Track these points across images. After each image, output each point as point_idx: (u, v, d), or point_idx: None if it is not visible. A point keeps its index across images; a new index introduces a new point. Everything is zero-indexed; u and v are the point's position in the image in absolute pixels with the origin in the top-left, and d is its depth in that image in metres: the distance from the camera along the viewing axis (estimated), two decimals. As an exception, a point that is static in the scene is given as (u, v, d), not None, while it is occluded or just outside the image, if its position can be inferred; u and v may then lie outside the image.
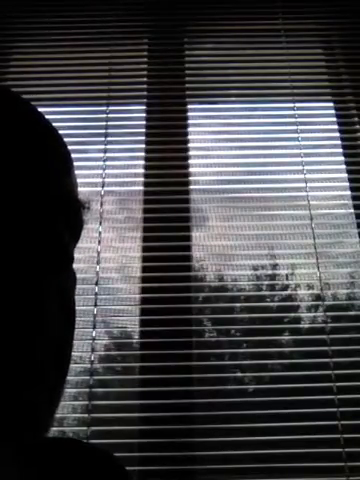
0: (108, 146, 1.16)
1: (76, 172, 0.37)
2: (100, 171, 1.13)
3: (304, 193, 1.12)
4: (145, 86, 1.25)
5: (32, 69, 1.25)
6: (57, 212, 0.31)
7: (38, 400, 0.26)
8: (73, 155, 0.37)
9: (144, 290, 1.04)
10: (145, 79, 1.26)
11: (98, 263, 1.04)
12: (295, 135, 1.18)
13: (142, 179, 1.14)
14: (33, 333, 0.26)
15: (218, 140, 1.19)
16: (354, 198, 1.12)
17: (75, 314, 0.32)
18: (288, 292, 1.09)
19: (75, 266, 0.35)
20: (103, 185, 1.12)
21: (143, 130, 1.20)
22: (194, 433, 0.92)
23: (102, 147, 1.16)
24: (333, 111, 1.23)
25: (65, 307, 0.30)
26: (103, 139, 1.17)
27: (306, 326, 1.07)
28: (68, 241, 0.32)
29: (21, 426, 0.25)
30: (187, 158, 1.16)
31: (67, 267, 0.31)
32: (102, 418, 0.94)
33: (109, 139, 1.17)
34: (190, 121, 1.21)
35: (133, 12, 1.32)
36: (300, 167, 1.15)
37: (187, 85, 1.25)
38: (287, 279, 1.08)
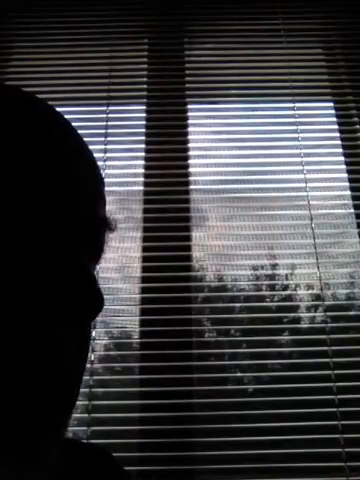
0: (108, 146, 1.16)
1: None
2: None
3: (304, 193, 1.12)
4: (145, 86, 1.25)
5: (32, 69, 1.25)
6: (82, 240, 0.29)
7: (43, 440, 0.25)
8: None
9: (144, 290, 1.04)
10: (145, 79, 1.26)
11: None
12: (295, 135, 1.18)
13: (142, 179, 1.14)
14: (48, 380, 0.25)
15: (218, 140, 1.19)
16: (354, 198, 1.12)
17: (89, 347, 0.30)
18: (288, 292, 1.09)
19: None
20: (103, 185, 1.12)
21: (143, 130, 1.20)
22: (194, 433, 0.92)
23: (102, 147, 1.16)
24: (333, 111, 1.23)
25: (83, 345, 0.28)
26: (103, 139, 1.17)
27: (306, 326, 1.07)
28: (93, 274, 0.29)
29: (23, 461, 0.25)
30: (187, 158, 1.16)
31: (92, 309, 0.28)
32: (102, 418, 0.94)
33: (109, 139, 1.17)
34: (190, 121, 1.21)
35: (133, 12, 1.32)
36: (300, 167, 1.15)
37: (187, 85, 1.24)
38: (287, 279, 1.08)
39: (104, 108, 1.21)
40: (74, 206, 0.29)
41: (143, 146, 1.18)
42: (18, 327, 0.24)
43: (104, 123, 1.19)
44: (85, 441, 0.88)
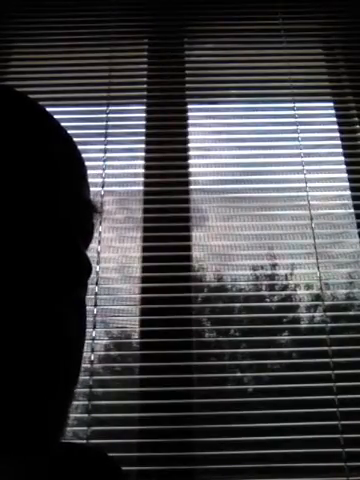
0: (108, 146, 1.16)
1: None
2: (100, 171, 1.13)
3: (304, 193, 1.12)
4: (145, 86, 1.25)
5: (32, 69, 1.25)
6: (72, 219, 0.29)
7: (48, 417, 0.25)
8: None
9: (144, 290, 1.04)
10: (145, 79, 1.26)
11: (98, 263, 1.04)
12: (295, 135, 1.18)
13: (142, 179, 1.14)
14: (52, 355, 0.25)
15: (218, 140, 1.19)
16: (354, 198, 1.12)
17: (86, 320, 0.31)
18: (288, 292, 1.09)
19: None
20: (103, 185, 1.12)
21: (143, 130, 1.20)
22: (194, 433, 0.92)
23: (102, 147, 1.16)
24: (333, 111, 1.23)
25: (81, 318, 0.29)
26: (103, 139, 1.17)
27: (306, 326, 1.07)
28: (84, 251, 0.30)
29: (30, 439, 0.24)
30: (187, 158, 1.16)
31: (86, 278, 0.29)
32: (102, 418, 0.94)
33: (109, 139, 1.17)
34: (190, 121, 1.21)
35: (133, 12, 1.32)
36: (300, 167, 1.15)
37: (187, 85, 1.24)
38: (287, 279, 1.08)
39: (104, 108, 1.21)
40: (59, 186, 0.30)
41: (143, 146, 1.18)
42: (19, 314, 0.24)
43: (104, 123, 1.19)
44: (83, 442, 0.88)
